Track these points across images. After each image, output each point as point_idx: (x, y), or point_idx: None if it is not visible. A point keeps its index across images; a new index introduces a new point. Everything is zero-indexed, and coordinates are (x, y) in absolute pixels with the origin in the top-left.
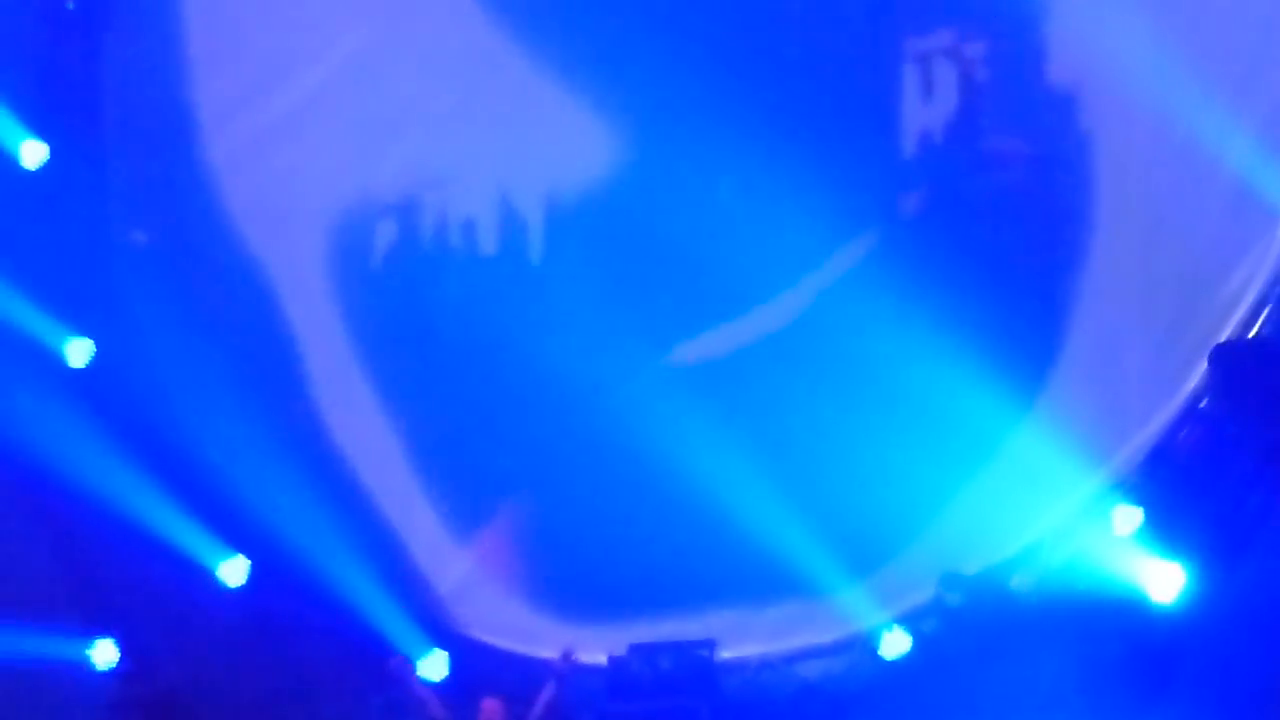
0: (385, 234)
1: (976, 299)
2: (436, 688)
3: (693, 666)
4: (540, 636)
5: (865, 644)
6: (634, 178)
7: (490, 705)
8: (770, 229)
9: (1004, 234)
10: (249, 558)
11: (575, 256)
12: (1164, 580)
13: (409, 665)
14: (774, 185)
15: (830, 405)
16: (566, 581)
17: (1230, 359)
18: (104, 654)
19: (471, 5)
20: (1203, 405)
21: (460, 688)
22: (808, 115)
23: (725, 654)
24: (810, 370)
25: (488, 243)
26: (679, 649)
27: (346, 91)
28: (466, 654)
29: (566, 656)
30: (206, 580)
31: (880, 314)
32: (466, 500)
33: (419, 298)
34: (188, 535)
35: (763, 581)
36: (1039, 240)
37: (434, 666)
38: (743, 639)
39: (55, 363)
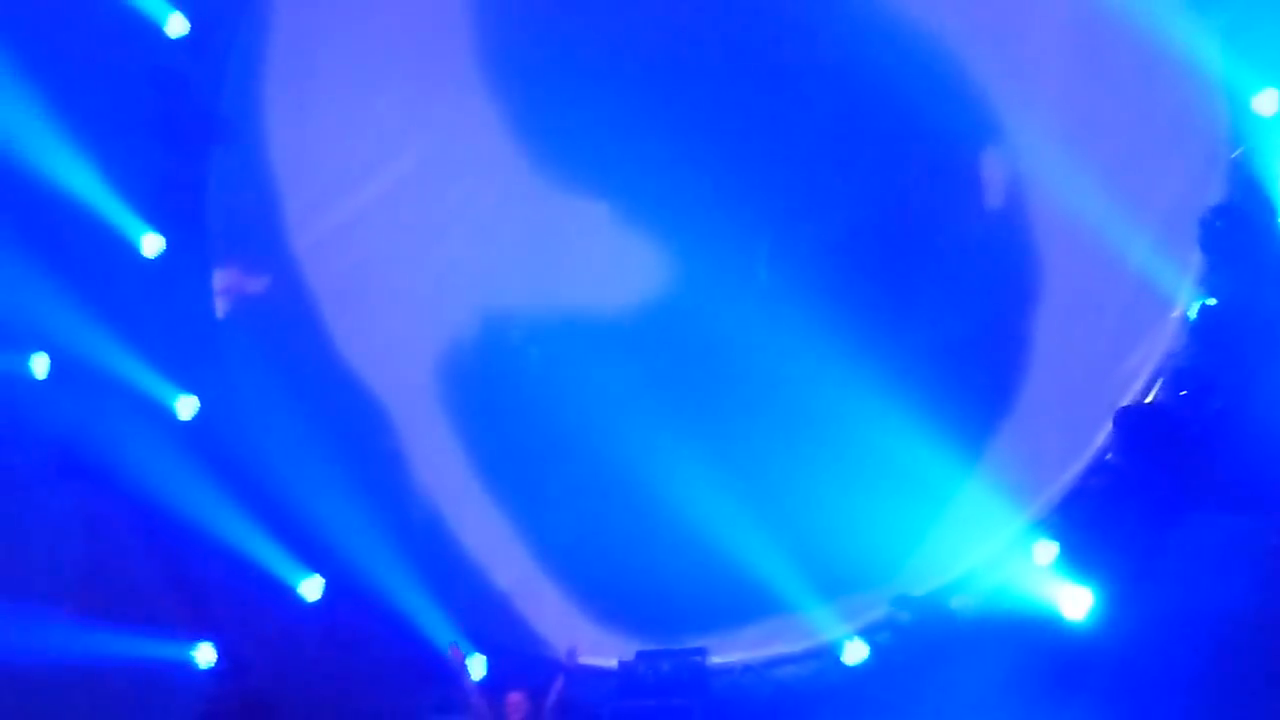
0: (460, 321)
1: (939, 384)
2: (478, 684)
3: (688, 670)
4: (563, 641)
5: (830, 653)
6: (671, 285)
7: (515, 698)
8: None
9: (962, 323)
10: (324, 577)
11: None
12: (1076, 602)
13: (462, 657)
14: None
15: (810, 464)
16: (596, 600)
17: (1131, 420)
18: (205, 656)
19: (504, 132)
20: (1108, 458)
21: (491, 683)
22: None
23: (715, 660)
24: (796, 435)
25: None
26: (677, 655)
27: (403, 199)
28: (497, 655)
29: (571, 655)
30: (289, 595)
31: (857, 385)
32: (516, 532)
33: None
34: (274, 558)
35: (748, 602)
36: (991, 327)
37: (475, 667)
38: (729, 648)
39: (167, 416)
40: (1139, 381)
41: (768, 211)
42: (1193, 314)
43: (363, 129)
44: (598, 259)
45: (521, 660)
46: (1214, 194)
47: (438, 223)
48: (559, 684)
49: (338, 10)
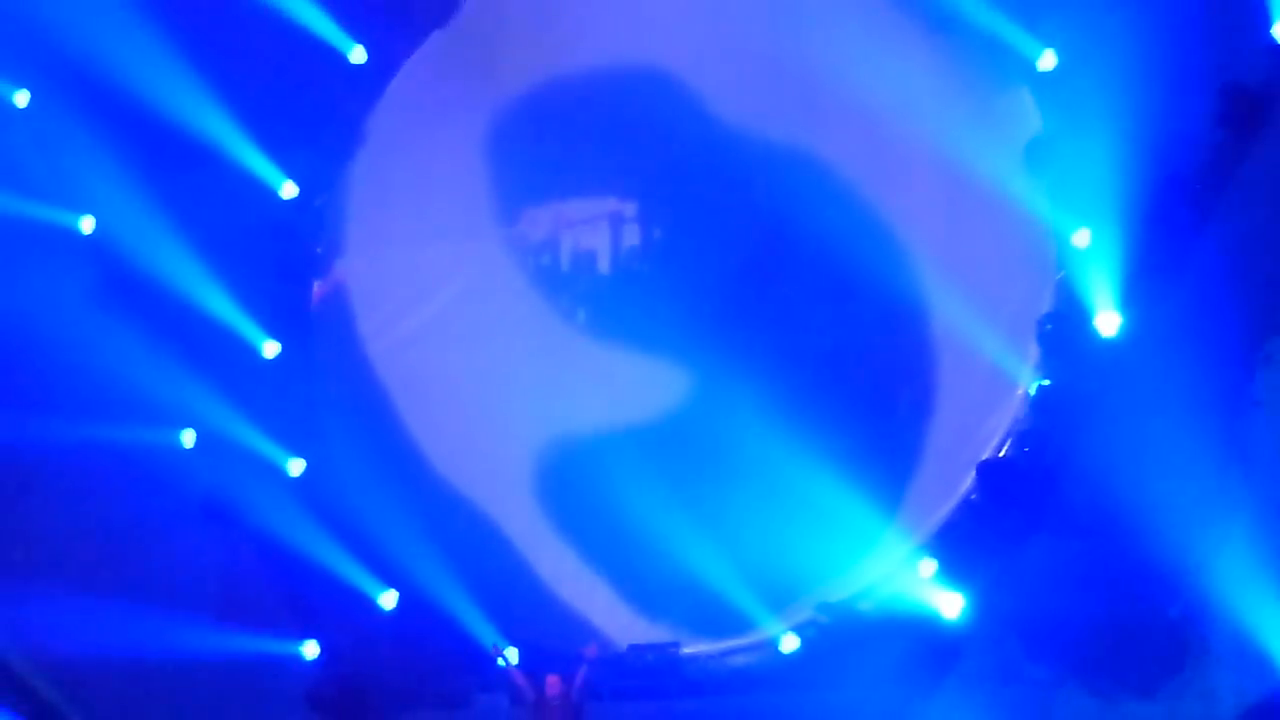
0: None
1: (859, 459)
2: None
3: (667, 658)
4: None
5: (772, 644)
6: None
7: (552, 679)
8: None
9: (872, 406)
10: (397, 591)
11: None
12: (950, 605)
13: (500, 651)
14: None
15: (763, 516)
16: (612, 608)
17: (989, 470)
18: (310, 650)
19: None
20: (973, 498)
21: (531, 669)
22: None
23: (686, 651)
24: (755, 501)
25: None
26: (659, 647)
27: (449, 322)
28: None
29: (591, 649)
30: (372, 605)
31: (798, 464)
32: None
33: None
34: (359, 577)
35: (712, 610)
36: (894, 406)
37: (513, 657)
38: (699, 643)
39: (281, 474)
40: (994, 441)
41: (722, 326)
42: (1033, 391)
43: (417, 267)
44: (590, 364)
45: (555, 652)
46: (1045, 304)
47: (475, 341)
48: (583, 670)
49: (402, 180)
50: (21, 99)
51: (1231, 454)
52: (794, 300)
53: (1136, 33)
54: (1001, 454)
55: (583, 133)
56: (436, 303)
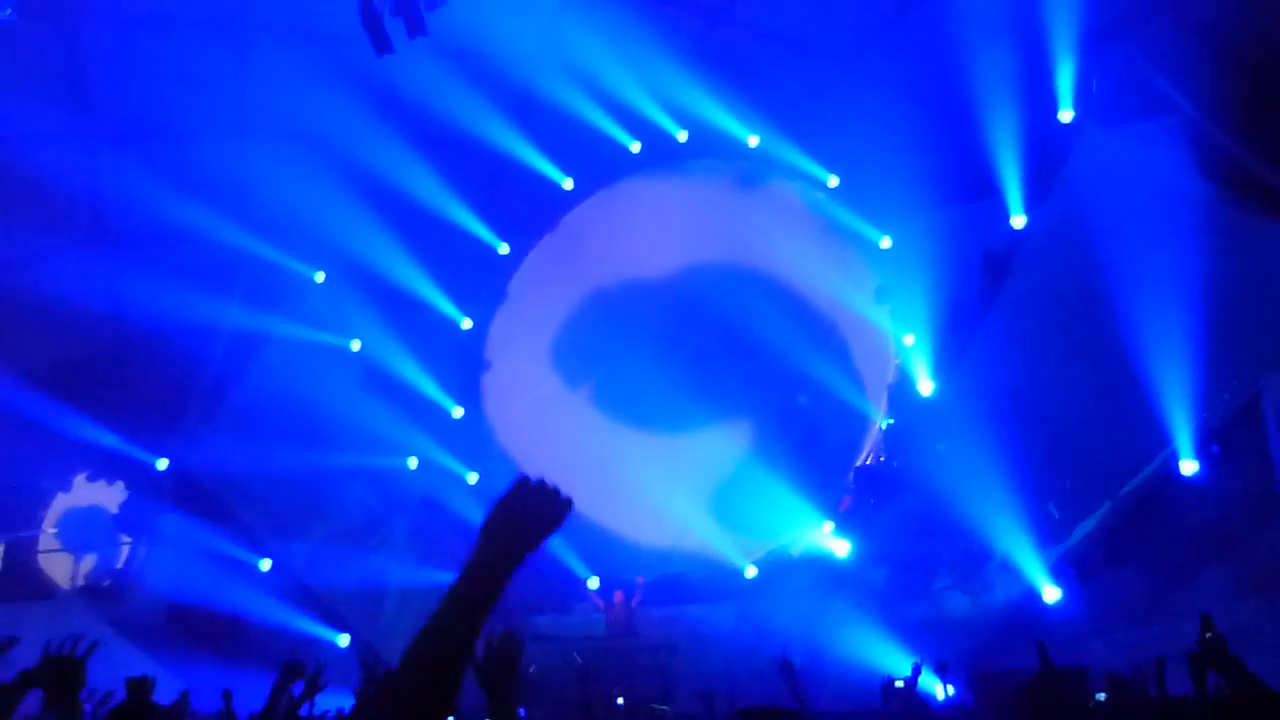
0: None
1: (799, 468)
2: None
3: (679, 580)
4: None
5: (741, 573)
6: None
7: (619, 595)
8: None
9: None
10: None
11: None
12: (841, 549)
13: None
14: None
15: (736, 486)
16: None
17: (861, 472)
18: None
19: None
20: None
21: (603, 591)
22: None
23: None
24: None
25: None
26: (678, 577)
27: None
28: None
29: (643, 577)
30: None
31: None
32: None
33: None
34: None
35: (709, 554)
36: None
37: (593, 582)
38: (691, 569)
39: (463, 482)
40: (865, 455)
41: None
42: (884, 427)
43: (528, 374)
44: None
45: (619, 579)
46: (890, 376)
47: (556, 414)
48: (638, 590)
49: (525, 323)
50: (320, 277)
51: (995, 459)
52: (754, 381)
53: (936, 225)
54: (868, 462)
55: (630, 307)
56: (537, 394)
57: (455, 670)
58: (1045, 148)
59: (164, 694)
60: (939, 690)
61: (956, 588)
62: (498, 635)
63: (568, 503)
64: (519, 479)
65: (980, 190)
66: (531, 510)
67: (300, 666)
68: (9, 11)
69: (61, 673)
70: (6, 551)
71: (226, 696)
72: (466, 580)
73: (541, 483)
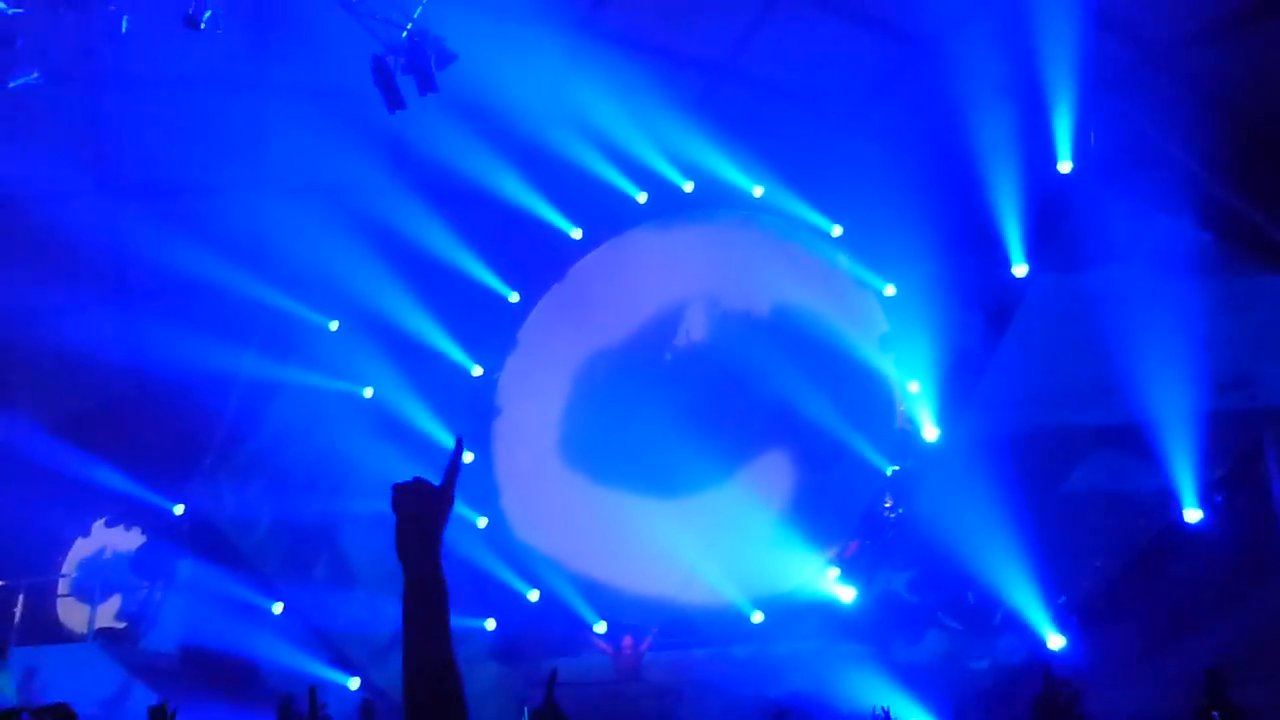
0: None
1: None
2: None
3: (690, 627)
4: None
5: (748, 618)
6: None
7: (628, 640)
8: None
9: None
10: (539, 590)
11: None
12: (847, 595)
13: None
14: None
15: (746, 547)
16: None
17: (867, 518)
18: (490, 624)
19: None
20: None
21: (610, 637)
22: None
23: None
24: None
25: None
26: (684, 621)
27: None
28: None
29: (654, 629)
30: (523, 598)
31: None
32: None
33: None
34: (514, 580)
35: (717, 602)
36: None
37: (600, 628)
38: (704, 615)
39: (473, 527)
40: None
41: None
42: (889, 473)
43: (536, 420)
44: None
45: (627, 625)
46: (897, 424)
47: (563, 455)
48: (648, 640)
49: (535, 370)
50: (333, 326)
51: (999, 506)
52: (760, 428)
53: (939, 274)
54: (874, 509)
55: (635, 355)
56: (546, 438)
57: (446, 679)
58: (1045, 198)
59: None
60: None
61: (961, 635)
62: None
63: (448, 479)
64: (394, 489)
65: (982, 240)
66: (418, 505)
67: (290, 700)
68: (36, 75)
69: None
70: (26, 596)
71: None
72: (411, 594)
73: (415, 479)
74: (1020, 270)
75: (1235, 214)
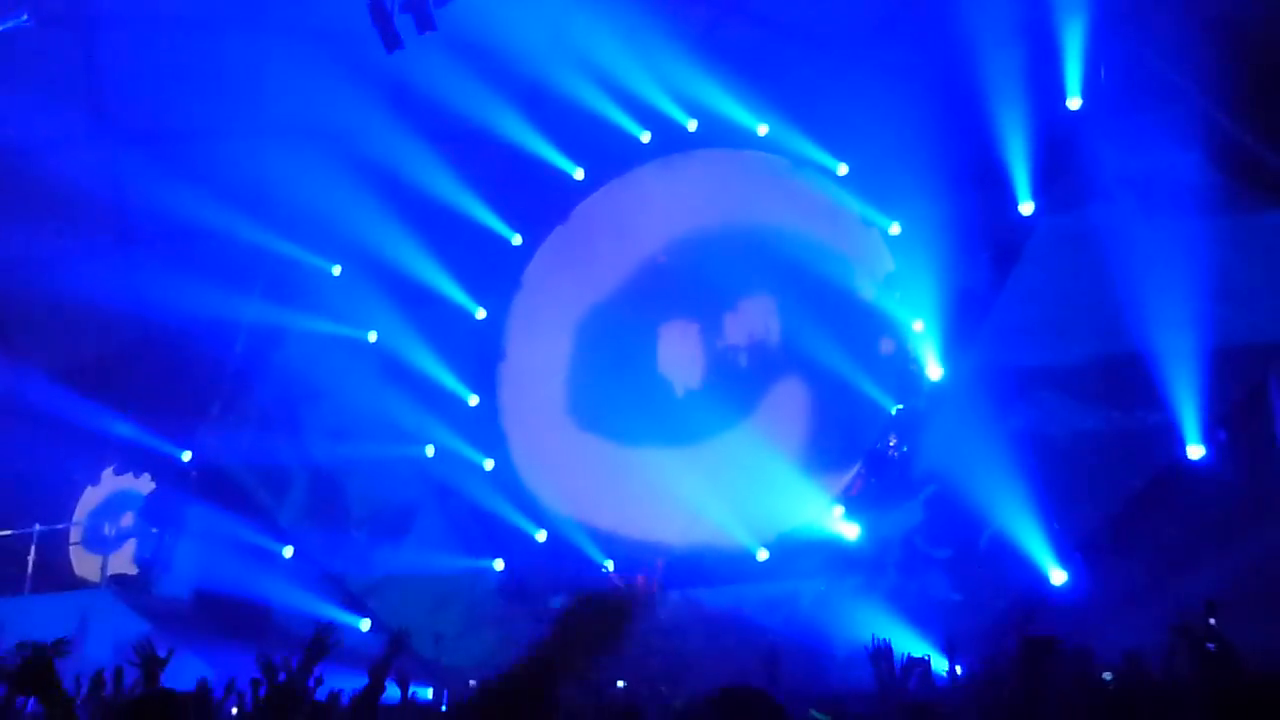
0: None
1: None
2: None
3: (699, 564)
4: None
5: (753, 556)
6: None
7: (640, 578)
8: None
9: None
10: (547, 530)
11: None
12: (851, 531)
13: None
14: None
15: (753, 485)
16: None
17: (871, 456)
18: (499, 564)
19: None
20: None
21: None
22: None
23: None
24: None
25: None
26: (692, 560)
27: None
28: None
29: (661, 564)
30: (531, 539)
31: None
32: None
33: None
34: (522, 521)
35: (724, 540)
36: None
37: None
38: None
39: (480, 470)
40: (876, 441)
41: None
42: (894, 412)
43: (544, 359)
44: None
45: (639, 563)
46: (901, 363)
47: (574, 396)
48: (658, 575)
49: (540, 310)
50: (336, 270)
51: (1004, 443)
52: (765, 367)
53: (945, 213)
54: (878, 447)
55: (640, 294)
56: (554, 381)
57: None
58: (1053, 136)
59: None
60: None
61: (965, 571)
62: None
63: None
64: None
65: (989, 178)
66: None
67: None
68: (25, 17)
69: (34, 672)
70: (38, 544)
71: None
72: None
73: None
74: (1027, 208)
75: (1245, 150)
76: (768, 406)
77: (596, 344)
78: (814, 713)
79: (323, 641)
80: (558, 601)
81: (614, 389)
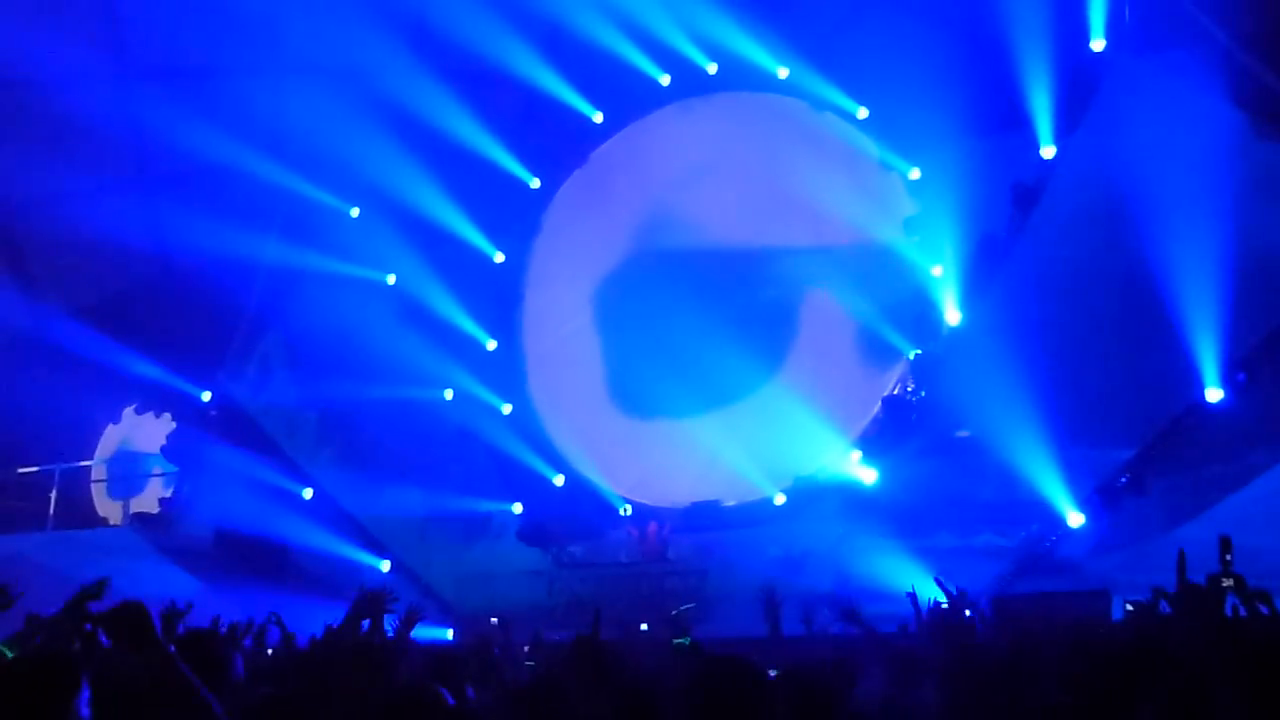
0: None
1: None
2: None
3: (716, 508)
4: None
5: (770, 500)
6: None
7: (653, 526)
8: None
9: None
10: (564, 475)
11: None
12: (868, 476)
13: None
14: None
15: (770, 428)
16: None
17: (889, 402)
18: (518, 508)
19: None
20: (879, 415)
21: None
22: None
23: (726, 504)
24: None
25: None
26: (711, 503)
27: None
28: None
29: (672, 512)
30: (550, 483)
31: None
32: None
33: None
34: (543, 467)
35: (740, 482)
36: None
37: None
38: (727, 498)
39: (498, 413)
40: (893, 385)
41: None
42: (911, 356)
43: (564, 302)
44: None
45: (652, 508)
46: (919, 307)
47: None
48: (669, 522)
49: (560, 253)
50: (354, 212)
51: (1019, 387)
52: (783, 312)
53: (966, 156)
54: (896, 392)
55: (658, 240)
56: (572, 324)
57: None
58: (1076, 78)
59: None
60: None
61: (982, 514)
62: None
63: None
64: None
65: (1010, 121)
66: None
67: (382, 598)
68: None
69: (129, 620)
70: (60, 482)
71: (279, 621)
72: None
73: None
74: (1048, 152)
75: (1271, 92)
76: (786, 352)
77: (615, 291)
78: (675, 642)
79: (379, 600)
80: (574, 548)
81: (633, 336)
